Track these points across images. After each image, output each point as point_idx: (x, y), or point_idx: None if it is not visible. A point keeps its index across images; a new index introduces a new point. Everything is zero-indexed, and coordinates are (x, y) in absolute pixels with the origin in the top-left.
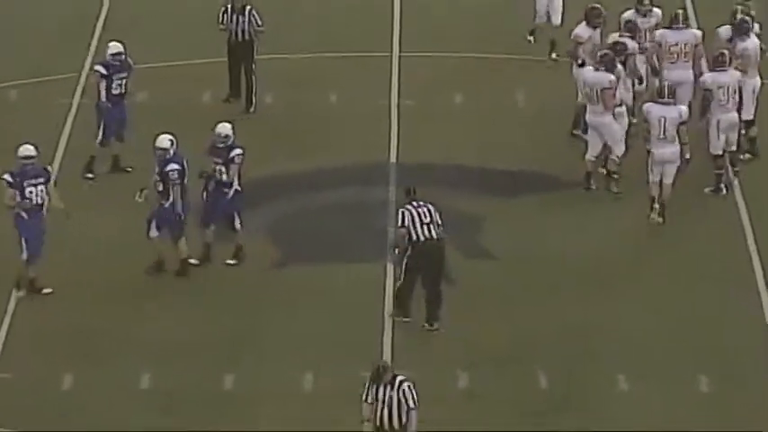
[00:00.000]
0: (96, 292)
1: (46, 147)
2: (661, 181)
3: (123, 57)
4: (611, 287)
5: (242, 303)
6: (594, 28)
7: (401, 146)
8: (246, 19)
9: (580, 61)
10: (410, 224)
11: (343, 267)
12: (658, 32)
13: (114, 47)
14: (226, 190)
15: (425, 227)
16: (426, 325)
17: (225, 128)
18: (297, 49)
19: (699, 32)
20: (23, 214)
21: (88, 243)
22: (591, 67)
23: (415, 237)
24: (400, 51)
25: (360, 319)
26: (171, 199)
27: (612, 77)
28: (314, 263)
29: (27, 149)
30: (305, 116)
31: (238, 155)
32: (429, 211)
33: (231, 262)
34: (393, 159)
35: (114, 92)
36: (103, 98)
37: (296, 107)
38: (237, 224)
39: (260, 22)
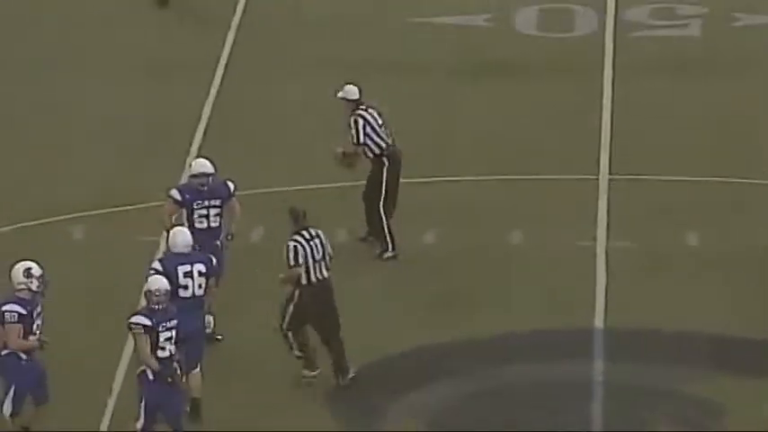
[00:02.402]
0: None
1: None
2: None
3: (209, 179)
4: None
5: None
6: None
7: (610, 305)
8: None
9: None
10: (304, 263)
11: None
12: None
13: (198, 165)
14: None
15: (318, 265)
16: (340, 379)
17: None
18: (464, 170)
19: None
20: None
21: None
22: None
23: (306, 279)
24: (610, 172)
25: None
26: None
27: None
28: None
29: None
30: (477, 261)
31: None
32: (321, 243)
33: None
34: (599, 323)
35: (198, 225)
36: None
37: (464, 249)
38: None
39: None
